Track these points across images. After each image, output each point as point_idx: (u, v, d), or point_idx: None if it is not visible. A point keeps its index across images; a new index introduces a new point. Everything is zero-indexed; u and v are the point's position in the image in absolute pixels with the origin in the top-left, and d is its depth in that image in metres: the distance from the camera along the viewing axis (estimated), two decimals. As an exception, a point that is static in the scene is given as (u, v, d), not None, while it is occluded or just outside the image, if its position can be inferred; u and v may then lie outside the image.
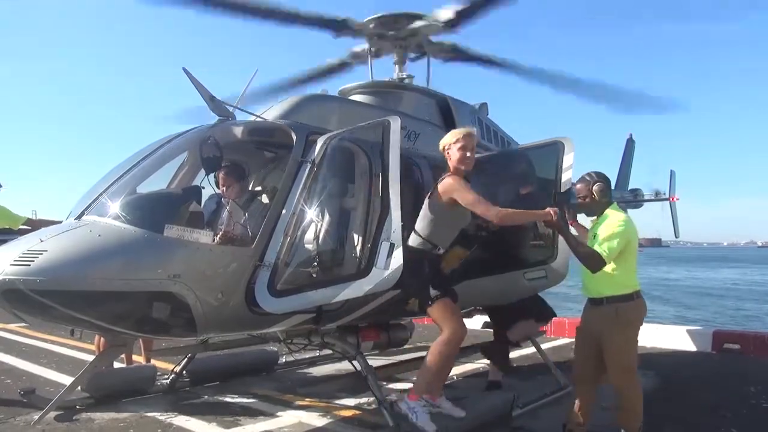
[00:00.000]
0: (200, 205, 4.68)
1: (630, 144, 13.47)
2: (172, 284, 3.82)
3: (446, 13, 6.29)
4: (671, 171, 13.62)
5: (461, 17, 6.36)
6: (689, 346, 8.37)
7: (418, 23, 6.39)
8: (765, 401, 5.59)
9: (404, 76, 6.75)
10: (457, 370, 6.74)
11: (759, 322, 20.63)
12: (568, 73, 7.60)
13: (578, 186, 4.34)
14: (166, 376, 6.22)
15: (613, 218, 4.09)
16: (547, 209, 4.02)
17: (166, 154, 4.59)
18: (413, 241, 4.20)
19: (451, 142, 4.29)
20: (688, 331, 8.65)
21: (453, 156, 4.26)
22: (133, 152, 4.63)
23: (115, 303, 3.75)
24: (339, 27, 6.53)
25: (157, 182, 4.54)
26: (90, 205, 4.09)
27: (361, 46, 7.00)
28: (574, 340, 8.75)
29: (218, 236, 4.14)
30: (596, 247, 3.96)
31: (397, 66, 6.77)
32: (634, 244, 4.13)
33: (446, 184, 4.18)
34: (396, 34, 6.54)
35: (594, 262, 3.94)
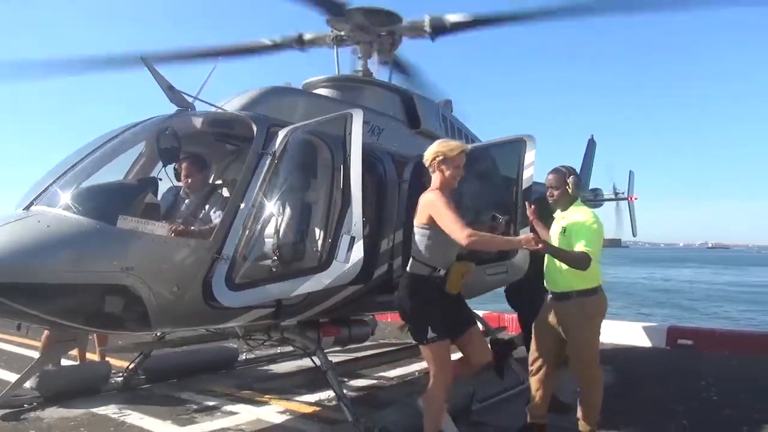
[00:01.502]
0: (157, 196, 4.56)
1: (591, 145, 13.72)
2: (124, 277, 3.70)
3: (424, 22, 6.36)
4: (630, 171, 13.93)
5: (437, 31, 6.44)
6: (645, 342, 8.59)
7: (400, 26, 6.38)
8: (715, 394, 5.77)
9: (367, 70, 6.70)
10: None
11: (713, 318, 21.37)
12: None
13: (550, 177, 4.30)
14: (120, 374, 6.06)
15: (586, 214, 4.13)
16: (526, 236, 3.77)
17: (121, 144, 4.43)
18: (412, 266, 3.82)
19: (447, 156, 3.79)
20: (644, 328, 8.87)
21: (446, 172, 3.80)
22: (86, 142, 4.47)
23: (64, 296, 3.59)
24: (301, 43, 6.61)
25: (111, 173, 4.37)
26: (39, 196, 3.91)
27: (324, 32, 6.87)
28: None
29: (175, 228, 4.03)
30: (581, 248, 3.95)
31: (361, 61, 6.72)
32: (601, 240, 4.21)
33: (426, 200, 3.79)
34: (377, 29, 6.49)
35: (584, 263, 3.93)
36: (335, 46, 6.71)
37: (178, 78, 4.63)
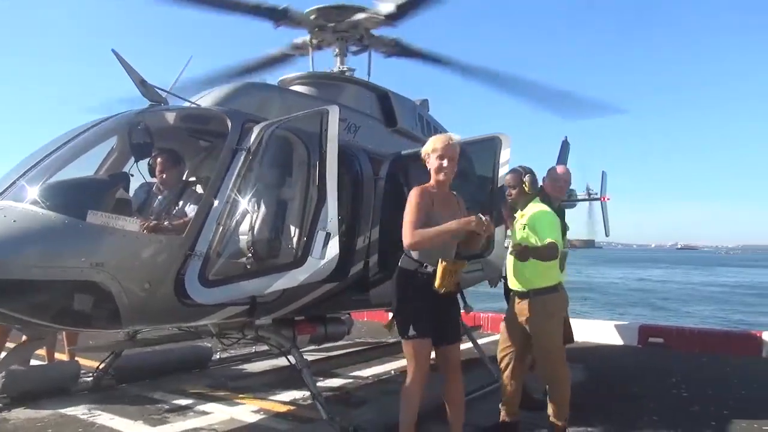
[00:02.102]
0: (128, 192, 4.47)
1: (565, 146, 13.90)
2: (94, 273, 3.61)
3: (387, 7, 6.29)
4: (603, 172, 14.15)
5: (402, 11, 6.38)
6: (617, 340, 8.72)
7: (359, 15, 6.34)
8: (684, 391, 5.88)
9: (345, 68, 6.69)
10: (394, 365, 6.76)
11: (683, 317, 21.82)
12: (512, 73, 7.59)
13: (508, 177, 4.47)
14: (90, 374, 5.93)
15: (544, 210, 4.24)
16: (469, 218, 3.56)
17: (92, 139, 4.34)
18: (402, 260, 3.75)
19: (428, 151, 3.76)
20: (617, 326, 9.00)
21: (430, 166, 3.76)
22: (54, 137, 4.37)
23: (32, 293, 3.50)
24: (279, 16, 6.39)
25: (81, 168, 4.28)
26: (5, 190, 3.81)
27: (303, 37, 6.90)
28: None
29: (146, 224, 3.96)
30: (546, 239, 4.04)
31: (338, 58, 6.70)
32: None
33: (410, 194, 3.75)
34: (336, 26, 6.46)
35: (554, 251, 4.02)
36: (311, 48, 6.70)
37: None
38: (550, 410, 4.27)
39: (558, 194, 5.19)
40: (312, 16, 6.39)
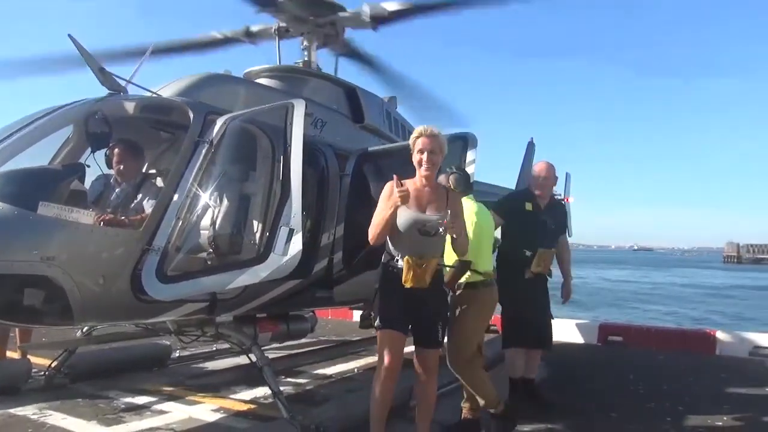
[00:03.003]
0: (84, 183, 4.31)
1: (530, 147, 14.01)
2: (45, 267, 3.46)
3: (372, 11, 6.29)
4: (567, 174, 14.24)
5: (386, 19, 6.40)
6: (578, 338, 8.85)
7: (341, 14, 6.28)
8: (642, 388, 6.01)
9: (311, 61, 6.59)
10: (358, 363, 6.72)
11: (641, 316, 22.40)
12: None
13: (440, 178, 4.39)
14: (42, 372, 5.71)
15: (466, 207, 4.19)
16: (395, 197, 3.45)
17: (46, 128, 4.16)
18: (384, 253, 3.74)
19: (411, 145, 3.71)
20: (577, 325, 9.13)
21: (414, 160, 3.69)
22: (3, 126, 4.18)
23: None
24: (247, 36, 6.42)
25: (33, 157, 4.08)
26: None
27: (267, 24, 6.73)
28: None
29: (102, 217, 3.82)
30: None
31: (305, 52, 6.60)
32: (488, 232, 4.41)
33: None
34: (315, 20, 6.37)
35: (462, 247, 3.92)
36: (277, 37, 6.56)
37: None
38: (481, 404, 4.32)
39: (540, 191, 5.23)
40: (277, 24, 6.34)
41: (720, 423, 4.86)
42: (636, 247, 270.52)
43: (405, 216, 3.55)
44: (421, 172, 3.66)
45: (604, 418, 4.96)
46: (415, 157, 3.66)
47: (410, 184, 3.63)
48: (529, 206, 5.20)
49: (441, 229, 3.46)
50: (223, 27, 7.04)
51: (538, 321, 5.24)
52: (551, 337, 5.40)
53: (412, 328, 3.70)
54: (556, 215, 5.38)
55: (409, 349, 3.76)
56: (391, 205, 3.48)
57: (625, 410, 5.17)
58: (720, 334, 8.10)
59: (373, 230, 3.61)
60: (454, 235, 3.57)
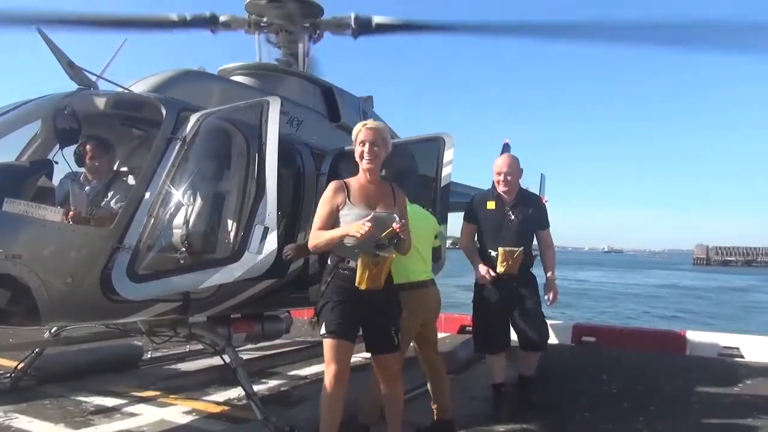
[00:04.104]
0: (52, 180, 4.19)
1: (506, 148, 14.08)
2: (10, 266, 3.37)
3: (358, 21, 6.27)
4: (541, 174, 14.27)
5: (370, 31, 6.37)
6: (552, 339, 8.87)
7: (325, 18, 6.24)
8: (614, 388, 6.06)
9: (288, 60, 6.53)
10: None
11: (614, 316, 22.77)
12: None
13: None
14: (8, 375, 5.55)
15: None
16: (361, 224, 3.26)
17: (13, 123, 4.06)
18: (330, 256, 3.58)
19: (354, 140, 3.58)
20: (551, 326, 9.14)
21: (356, 154, 3.56)
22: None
23: None
24: (213, 24, 6.34)
25: (-1, 153, 4.00)
26: None
27: (240, 16, 6.62)
28: (447, 334, 9.00)
29: (71, 214, 3.72)
30: None
31: (282, 50, 6.54)
32: (426, 234, 4.33)
33: None
34: (271, 20, 6.31)
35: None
36: (255, 33, 6.48)
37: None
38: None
39: (505, 187, 4.88)
40: (248, 15, 6.26)
41: (691, 422, 4.92)
42: (607, 249, 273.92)
43: (354, 216, 3.39)
44: (363, 165, 3.51)
45: (578, 419, 4.99)
46: (357, 150, 3.54)
47: (354, 182, 3.54)
48: (491, 204, 4.94)
49: (395, 241, 3.31)
50: (185, 9, 6.87)
51: (522, 323, 4.89)
52: (541, 339, 5.01)
53: (363, 333, 3.56)
54: (527, 210, 4.97)
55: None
56: (354, 230, 3.24)
57: (598, 410, 5.21)
58: (690, 335, 8.22)
59: (314, 241, 3.44)
60: (403, 236, 3.37)
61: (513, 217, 4.90)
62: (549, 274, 5.16)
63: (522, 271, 4.87)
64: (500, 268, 4.75)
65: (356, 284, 3.35)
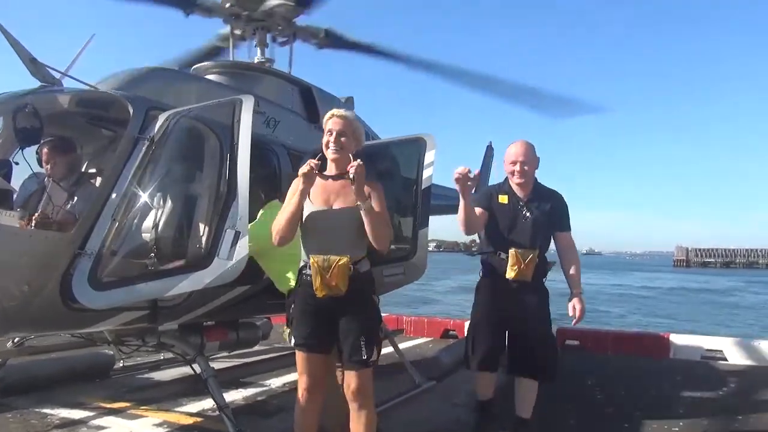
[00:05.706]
0: (9, 181, 3.98)
1: (489, 151, 14.02)
2: None
3: (328, 35, 6.19)
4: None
5: (338, 46, 6.30)
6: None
7: (270, 3, 6.05)
8: (600, 392, 5.97)
9: (265, 59, 6.36)
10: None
11: (598, 320, 22.84)
12: (459, 66, 7.34)
13: None
14: (-33, 387, 5.29)
15: None
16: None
17: None
18: None
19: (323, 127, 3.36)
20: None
21: (322, 144, 3.34)
22: None
23: None
24: (188, 4, 6.02)
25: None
26: None
27: (226, 28, 6.53)
28: (430, 339, 8.87)
29: (27, 218, 3.52)
30: None
31: (258, 49, 6.36)
32: None
33: None
34: (251, 14, 6.13)
35: None
36: (231, 27, 6.30)
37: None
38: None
39: (520, 179, 4.27)
40: (227, 4, 6.03)
41: (676, 428, 4.84)
42: (585, 251, 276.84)
43: (306, 213, 3.17)
44: (328, 154, 3.26)
45: (562, 425, 4.89)
46: (323, 140, 3.31)
47: (321, 178, 3.28)
48: (503, 198, 4.30)
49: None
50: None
51: (519, 343, 4.36)
52: (546, 365, 4.39)
53: (337, 344, 3.26)
54: (545, 206, 4.32)
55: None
56: (295, 193, 3.05)
57: (584, 416, 5.12)
58: (674, 338, 8.20)
59: (275, 228, 3.19)
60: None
61: (528, 214, 4.26)
62: (574, 287, 4.43)
63: (534, 281, 4.29)
64: (510, 273, 4.17)
65: (314, 291, 3.12)
